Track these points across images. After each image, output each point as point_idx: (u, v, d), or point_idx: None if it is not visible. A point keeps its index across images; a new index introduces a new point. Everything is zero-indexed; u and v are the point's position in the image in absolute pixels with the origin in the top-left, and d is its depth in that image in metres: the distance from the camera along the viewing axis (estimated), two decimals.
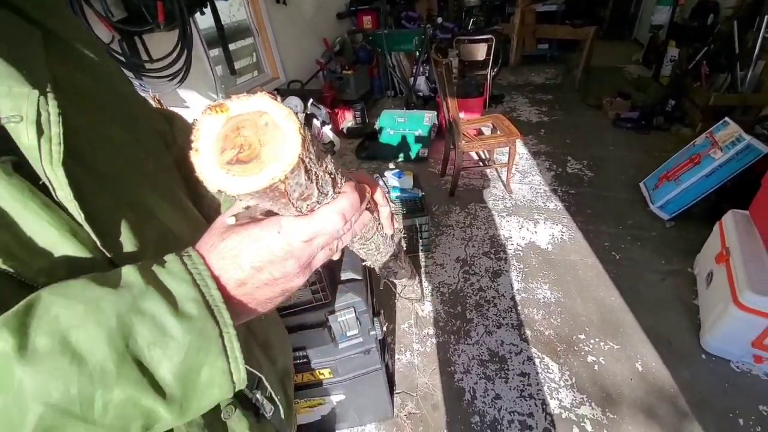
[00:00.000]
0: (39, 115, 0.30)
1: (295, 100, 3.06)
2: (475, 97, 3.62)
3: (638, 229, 2.32)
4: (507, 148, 2.59)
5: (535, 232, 2.37)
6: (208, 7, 2.41)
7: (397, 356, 1.74)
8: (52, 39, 0.38)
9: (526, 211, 2.56)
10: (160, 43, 2.12)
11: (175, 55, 2.10)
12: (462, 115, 3.23)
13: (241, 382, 0.31)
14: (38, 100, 0.31)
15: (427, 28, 3.46)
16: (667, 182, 2.36)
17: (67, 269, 0.32)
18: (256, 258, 0.30)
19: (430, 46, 3.40)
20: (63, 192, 0.31)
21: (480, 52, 3.87)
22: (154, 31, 2.01)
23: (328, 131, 3.28)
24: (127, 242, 0.36)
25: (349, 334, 1.04)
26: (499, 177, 2.95)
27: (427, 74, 4.05)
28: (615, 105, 3.70)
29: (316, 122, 3.24)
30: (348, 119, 3.79)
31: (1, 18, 0.33)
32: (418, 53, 3.72)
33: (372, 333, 1.04)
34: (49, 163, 0.30)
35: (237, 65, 3.02)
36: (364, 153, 3.37)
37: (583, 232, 2.33)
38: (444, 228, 2.49)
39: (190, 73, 2.25)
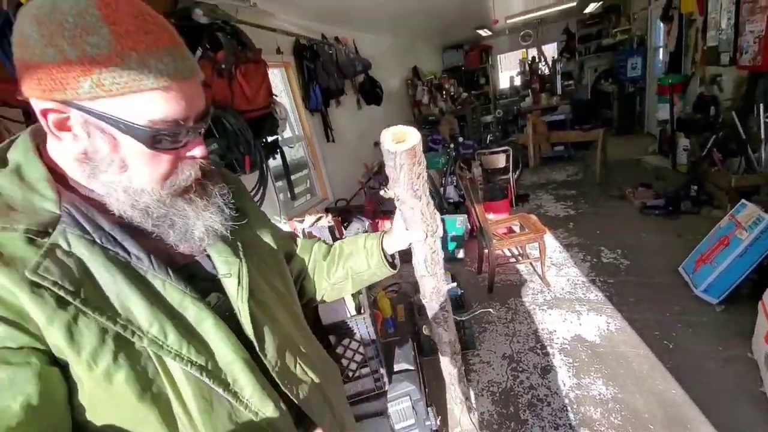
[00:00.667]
0: (239, 272, 0.60)
1: (358, 224, 3.49)
2: (500, 200, 3.97)
3: (687, 315, 2.29)
4: (537, 244, 2.79)
5: (580, 324, 2.40)
6: (279, 152, 3.10)
7: None
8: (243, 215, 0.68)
9: (567, 303, 2.62)
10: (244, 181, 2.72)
11: (254, 192, 2.67)
12: (491, 216, 3.55)
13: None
14: (239, 265, 0.60)
15: (451, 149, 4.05)
16: (704, 265, 2.39)
17: (232, 365, 0.55)
18: None
19: (455, 163, 3.94)
20: (245, 317, 0.58)
21: (500, 160, 4.37)
22: (240, 175, 2.61)
23: None
24: (269, 345, 0.61)
25: (405, 424, 1.17)
26: (535, 271, 3.08)
27: (455, 183, 4.55)
28: (639, 194, 3.89)
29: (356, 223, 3.66)
30: (387, 227, 4.21)
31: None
32: (445, 168, 4.29)
33: (427, 423, 1.16)
34: (240, 301, 0.59)
35: (296, 190, 3.65)
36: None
37: (629, 321, 2.33)
38: (486, 325, 2.57)
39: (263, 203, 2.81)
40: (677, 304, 2.40)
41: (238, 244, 0.62)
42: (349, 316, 1.04)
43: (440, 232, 0.80)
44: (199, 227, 0.55)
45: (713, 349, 2.02)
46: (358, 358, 1.08)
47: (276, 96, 2.91)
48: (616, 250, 3.16)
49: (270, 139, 3.05)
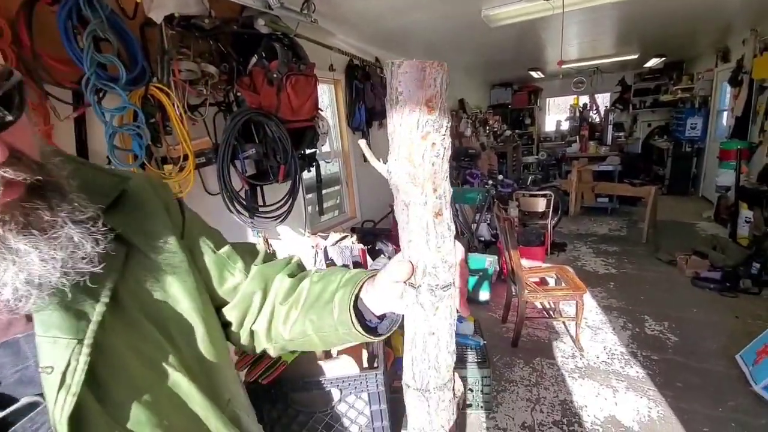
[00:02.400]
0: (68, 365, 0.36)
1: (383, 260, 3.41)
2: (536, 246, 3.74)
3: (742, 414, 1.96)
4: (573, 301, 2.55)
5: (616, 404, 2.11)
6: (314, 166, 3.06)
7: None
8: (135, 253, 0.46)
9: (602, 376, 2.33)
10: (274, 191, 2.68)
11: (283, 201, 2.62)
12: (524, 262, 3.32)
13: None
14: (72, 350, 0.36)
15: (490, 185, 3.90)
16: (767, 358, 2.07)
17: None
18: None
19: (492, 201, 3.77)
20: None
21: (540, 204, 4.16)
22: (273, 184, 2.58)
23: None
24: None
25: None
26: (567, 331, 2.81)
27: (488, 221, 4.36)
28: (691, 263, 3.55)
29: (383, 257, 3.53)
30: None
31: None
32: (480, 205, 4.12)
33: None
34: (60, 413, 0.35)
35: (324, 204, 3.59)
36: None
37: (674, 410, 2.03)
38: (506, 384, 2.33)
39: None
40: (732, 399, 2.07)
41: (97, 304, 0.40)
42: (359, 371, 0.91)
43: (457, 283, 0.47)
44: (10, 280, 0.34)
45: None
46: (362, 420, 0.93)
47: (321, 110, 2.90)
48: (662, 322, 2.84)
49: (308, 151, 3.03)
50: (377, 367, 0.93)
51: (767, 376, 2.00)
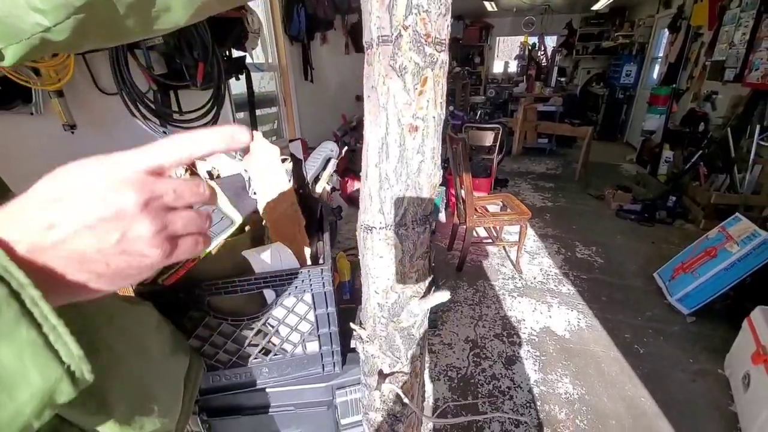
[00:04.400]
0: None
1: (331, 144, 3.12)
2: (483, 177, 3.72)
3: (658, 322, 2.18)
4: (515, 228, 2.57)
5: (550, 317, 2.22)
6: (244, 74, 2.58)
7: None
8: None
9: (538, 293, 2.44)
10: (192, 98, 2.22)
11: (204, 110, 2.18)
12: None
13: (76, 359, 0.23)
14: None
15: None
16: (683, 274, 2.28)
17: None
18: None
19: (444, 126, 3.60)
20: None
21: (487, 138, 4.10)
22: (190, 88, 2.11)
23: (337, 197, 3.30)
24: None
25: (353, 419, 0.87)
26: (508, 256, 2.89)
27: None
28: (617, 197, 3.80)
29: (327, 187, 3.27)
30: (356, 188, 3.86)
31: None
32: None
33: None
34: None
35: (260, 129, 3.15)
36: None
37: (600, 320, 2.19)
38: (451, 304, 2.34)
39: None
40: (649, 310, 2.28)
41: None
42: (298, 266, 0.70)
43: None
44: None
45: (683, 360, 1.91)
46: (305, 326, 0.75)
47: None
48: (590, 247, 3.03)
49: (236, 54, 2.53)
50: (323, 262, 0.73)
51: (681, 290, 2.21)
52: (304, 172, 1.03)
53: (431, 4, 0.32)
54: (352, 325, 0.57)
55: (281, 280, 0.70)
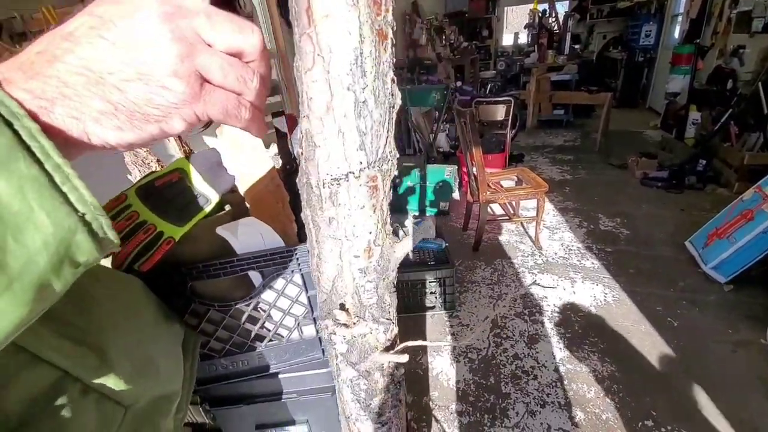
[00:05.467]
0: None
1: None
2: (496, 153, 3.58)
3: (693, 293, 2.04)
4: (532, 203, 2.44)
5: (574, 292, 2.11)
6: None
7: None
8: None
9: (561, 269, 2.32)
10: None
11: None
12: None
13: (91, 208, 0.22)
14: None
15: (449, 88, 3.55)
16: (718, 240, 2.12)
17: None
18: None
19: (451, 103, 3.46)
20: None
21: (499, 112, 3.92)
22: None
23: None
24: None
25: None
26: (526, 232, 2.77)
27: (447, 132, 4.10)
28: (641, 164, 3.59)
29: None
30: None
31: None
32: (437, 112, 3.80)
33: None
34: None
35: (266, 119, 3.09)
36: None
37: (628, 293, 2.07)
38: (468, 284, 2.26)
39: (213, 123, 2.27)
40: (681, 280, 2.14)
41: None
42: (283, 244, 0.63)
43: None
44: None
45: (722, 331, 1.78)
46: (298, 309, 0.69)
47: None
48: (614, 219, 2.87)
49: None
50: None
51: (717, 257, 2.06)
52: (290, 147, 0.96)
53: None
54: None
55: (266, 261, 0.63)
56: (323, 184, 0.37)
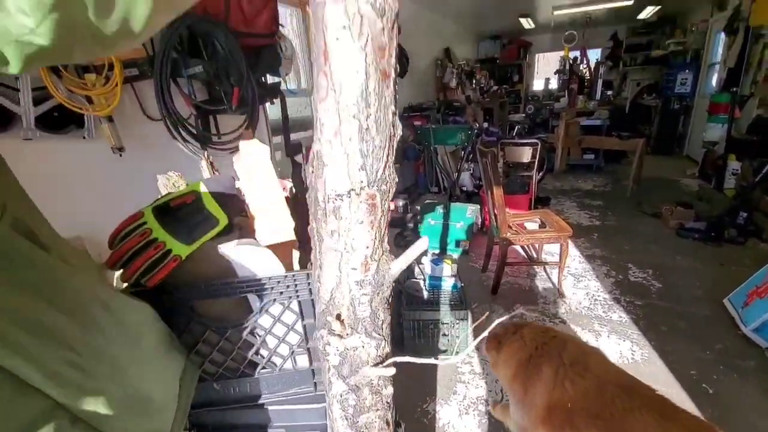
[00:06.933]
0: None
1: None
2: (521, 194, 3.55)
3: (731, 357, 1.86)
4: (556, 248, 2.37)
5: (598, 347, 1.98)
6: (279, 98, 2.70)
7: None
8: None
9: (585, 321, 2.20)
10: (230, 122, 2.35)
11: (239, 133, 2.29)
12: (507, 210, 3.13)
13: None
14: None
15: (475, 128, 3.62)
16: (759, 300, 1.96)
17: None
18: None
19: (476, 142, 3.51)
20: None
21: (525, 154, 3.93)
22: (227, 112, 2.23)
23: None
24: None
25: None
26: (549, 278, 2.67)
27: (471, 171, 4.13)
28: (677, 214, 3.43)
29: None
30: (390, 209, 3.82)
31: None
32: (463, 151, 3.86)
33: None
34: None
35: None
36: (403, 242, 3.27)
37: (659, 353, 1.92)
38: (483, 329, 2.17)
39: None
40: (719, 342, 1.97)
41: None
42: (284, 271, 0.66)
43: None
44: None
45: (762, 402, 1.60)
46: (294, 338, 0.70)
47: (283, 26, 2.51)
48: (646, 270, 2.73)
49: (271, 81, 2.66)
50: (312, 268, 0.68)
51: (757, 317, 1.89)
52: (304, 177, 1.01)
53: None
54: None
55: (264, 285, 0.66)
56: (328, 198, 0.42)
